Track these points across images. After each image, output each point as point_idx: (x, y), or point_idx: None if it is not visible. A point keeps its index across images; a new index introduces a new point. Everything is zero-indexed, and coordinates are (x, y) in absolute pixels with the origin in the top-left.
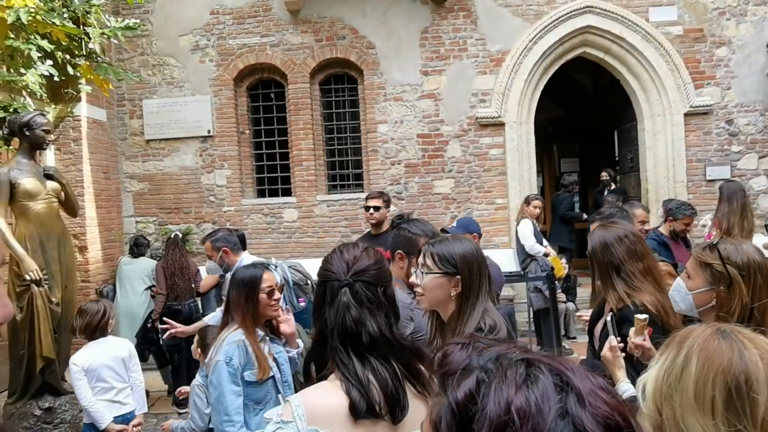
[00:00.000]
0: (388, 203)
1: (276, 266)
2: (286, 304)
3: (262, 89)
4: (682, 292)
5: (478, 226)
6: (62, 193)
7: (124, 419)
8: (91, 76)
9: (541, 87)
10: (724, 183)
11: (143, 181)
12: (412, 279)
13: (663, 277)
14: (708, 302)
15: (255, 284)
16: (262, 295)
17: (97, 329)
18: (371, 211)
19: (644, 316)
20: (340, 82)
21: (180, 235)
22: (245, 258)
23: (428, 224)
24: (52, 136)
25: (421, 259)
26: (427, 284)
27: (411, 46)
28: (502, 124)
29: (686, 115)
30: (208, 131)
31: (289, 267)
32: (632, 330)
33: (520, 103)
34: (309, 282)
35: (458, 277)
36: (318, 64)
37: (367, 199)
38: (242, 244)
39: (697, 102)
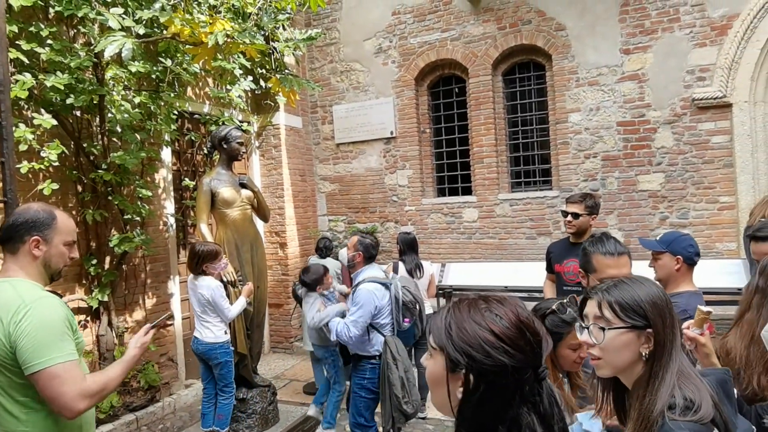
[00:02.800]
0: (592, 210)
1: (391, 285)
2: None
3: (443, 86)
4: None
5: (692, 247)
6: (255, 201)
7: None
8: (280, 89)
9: None
10: None
11: (334, 182)
12: (583, 338)
13: None
14: None
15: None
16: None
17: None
18: (569, 218)
19: (708, 309)
20: (525, 71)
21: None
22: (369, 270)
23: (612, 241)
24: (245, 149)
25: (591, 310)
26: (610, 344)
27: (608, 22)
28: (728, 106)
29: None
30: (391, 132)
31: (402, 287)
32: (691, 321)
33: (753, 78)
34: (418, 306)
35: (649, 330)
36: (500, 54)
37: (567, 202)
38: (412, 248)
39: None
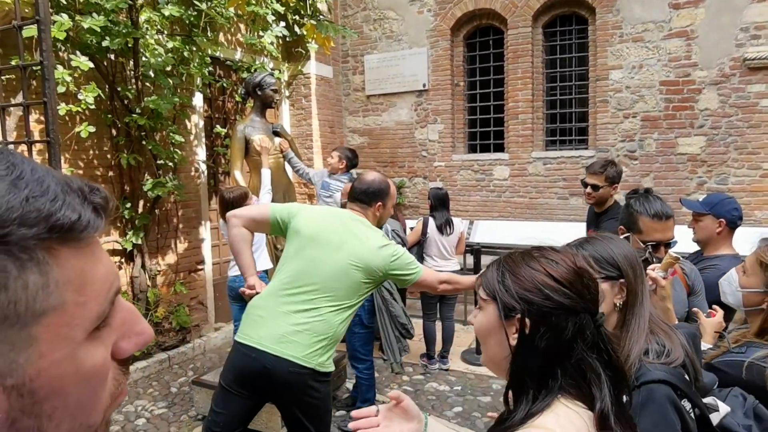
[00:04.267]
0: (613, 179)
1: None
2: None
3: (480, 38)
4: (733, 285)
5: (736, 210)
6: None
7: None
8: (315, 36)
9: None
10: None
11: (363, 135)
12: None
13: None
14: (758, 304)
15: None
16: None
17: None
18: (588, 189)
19: (676, 255)
20: (566, 24)
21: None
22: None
23: (659, 202)
24: (278, 96)
25: None
26: None
27: None
28: None
29: None
30: (423, 85)
31: (392, 230)
32: (658, 264)
33: None
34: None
35: (622, 280)
36: (542, 5)
37: (586, 172)
38: (443, 203)
39: None
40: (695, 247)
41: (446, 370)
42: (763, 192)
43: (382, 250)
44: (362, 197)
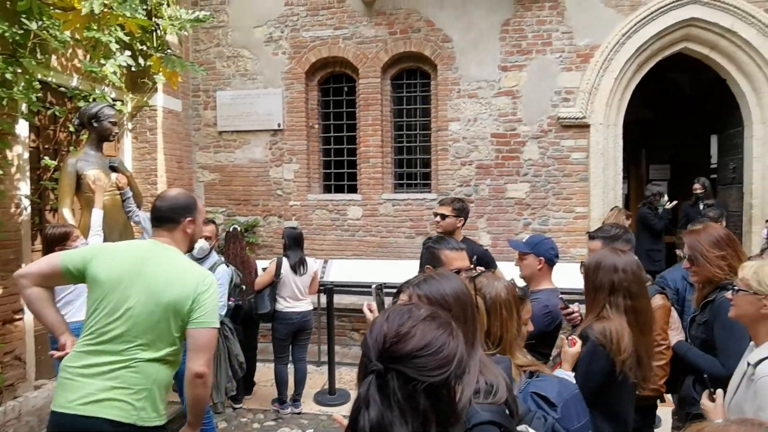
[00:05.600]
0: (460, 212)
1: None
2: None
3: (333, 83)
4: None
5: (552, 250)
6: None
7: None
8: (161, 69)
9: (632, 86)
10: None
11: (214, 171)
12: None
13: (653, 318)
14: None
15: None
16: None
17: None
18: (438, 218)
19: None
20: (412, 77)
21: (239, 229)
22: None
23: (452, 240)
24: (118, 129)
25: (404, 300)
26: None
27: (490, 39)
28: (586, 126)
29: None
30: (279, 125)
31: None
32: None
33: (608, 104)
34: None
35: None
36: (390, 58)
37: (439, 204)
38: (297, 243)
39: None
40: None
41: (299, 413)
42: (576, 232)
43: (197, 285)
44: (169, 214)
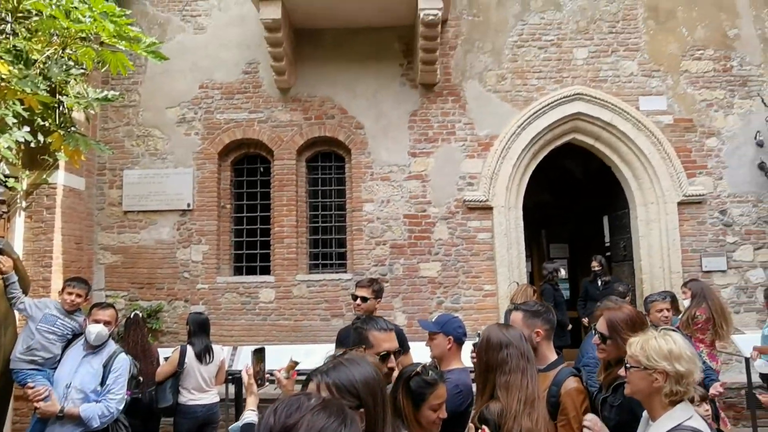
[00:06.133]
0: (378, 293)
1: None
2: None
3: (248, 164)
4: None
5: (460, 328)
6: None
7: None
8: (62, 147)
9: (529, 172)
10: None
11: (117, 253)
12: None
13: (539, 392)
14: None
15: None
16: None
17: None
18: (358, 301)
19: (295, 361)
20: (327, 160)
21: (140, 315)
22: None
23: (381, 320)
24: (6, 207)
25: (311, 389)
26: None
27: (400, 127)
28: (490, 208)
29: (680, 204)
30: (188, 204)
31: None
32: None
33: (509, 188)
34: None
35: (362, 410)
36: (306, 142)
37: (356, 286)
38: (203, 329)
39: (690, 191)
40: None
41: None
42: (486, 309)
43: None
44: None
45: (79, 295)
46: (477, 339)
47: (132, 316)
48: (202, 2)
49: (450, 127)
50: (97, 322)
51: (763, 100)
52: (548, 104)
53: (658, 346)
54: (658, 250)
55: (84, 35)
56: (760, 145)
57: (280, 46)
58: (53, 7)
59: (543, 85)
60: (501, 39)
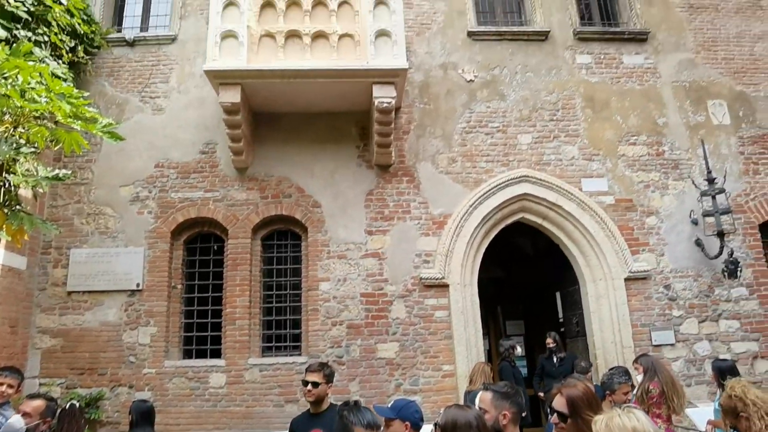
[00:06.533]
0: (329, 378)
1: None
2: None
3: (201, 243)
4: None
5: (417, 413)
6: None
7: None
8: (4, 226)
9: (483, 249)
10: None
11: (57, 336)
12: None
13: None
14: None
15: None
16: None
17: None
18: (309, 387)
19: None
20: (283, 238)
21: (77, 405)
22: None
23: (369, 413)
24: None
25: None
26: None
27: (356, 206)
28: (446, 286)
29: (626, 279)
30: (137, 285)
31: None
32: None
33: (463, 265)
34: None
35: None
36: (262, 220)
37: (306, 371)
38: (147, 419)
39: (635, 267)
40: None
41: None
42: (446, 390)
43: None
44: None
45: (10, 386)
46: (433, 424)
47: (67, 406)
48: (162, 84)
49: (405, 205)
50: (19, 413)
51: (693, 182)
52: (497, 185)
53: (623, 423)
54: (609, 325)
55: (38, 114)
56: (695, 223)
57: (239, 128)
58: (9, 86)
59: (491, 167)
60: (450, 125)
